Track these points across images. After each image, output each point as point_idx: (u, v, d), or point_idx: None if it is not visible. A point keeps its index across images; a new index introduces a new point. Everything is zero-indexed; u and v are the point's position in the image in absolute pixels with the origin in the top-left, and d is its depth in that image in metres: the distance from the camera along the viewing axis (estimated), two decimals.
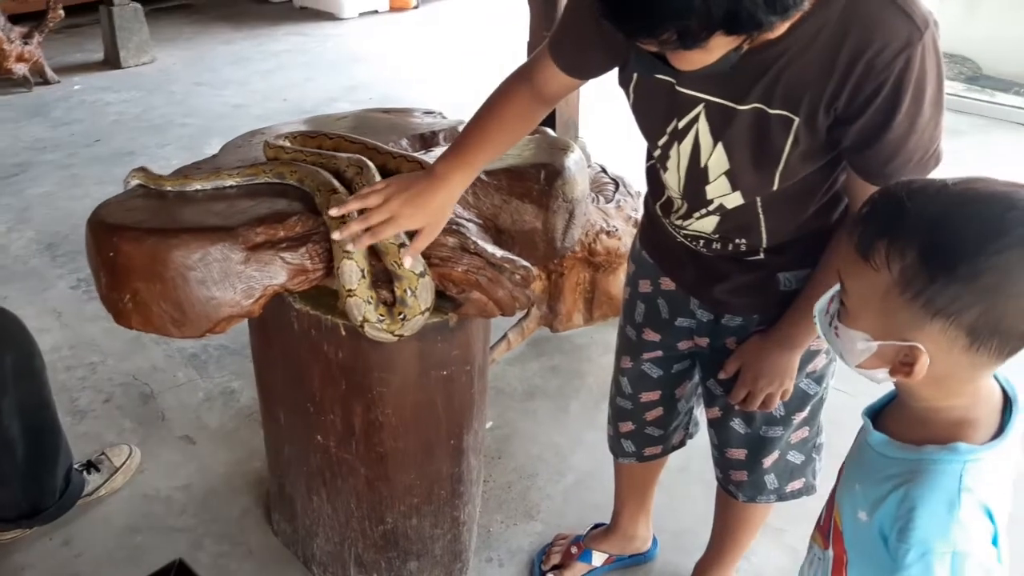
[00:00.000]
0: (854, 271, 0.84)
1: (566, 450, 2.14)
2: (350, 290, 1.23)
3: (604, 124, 3.40)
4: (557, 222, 1.55)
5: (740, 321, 1.33)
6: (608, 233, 2.33)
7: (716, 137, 1.11)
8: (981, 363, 0.81)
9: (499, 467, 2.09)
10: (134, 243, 1.24)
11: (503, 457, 2.12)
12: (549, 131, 1.93)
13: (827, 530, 1.00)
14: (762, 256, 1.25)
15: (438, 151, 1.60)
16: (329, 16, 6.48)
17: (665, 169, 1.21)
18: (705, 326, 1.38)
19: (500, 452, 2.14)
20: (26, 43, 4.82)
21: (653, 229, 1.38)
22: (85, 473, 1.94)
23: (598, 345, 2.54)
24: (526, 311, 2.43)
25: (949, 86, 4.57)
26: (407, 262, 1.23)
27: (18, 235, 3.24)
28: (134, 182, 1.39)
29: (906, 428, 0.90)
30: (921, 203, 0.80)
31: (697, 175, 1.16)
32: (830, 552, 0.98)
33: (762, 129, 1.07)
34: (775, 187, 1.13)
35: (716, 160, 1.12)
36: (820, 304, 0.94)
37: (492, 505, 1.96)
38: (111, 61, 5.36)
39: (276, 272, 1.26)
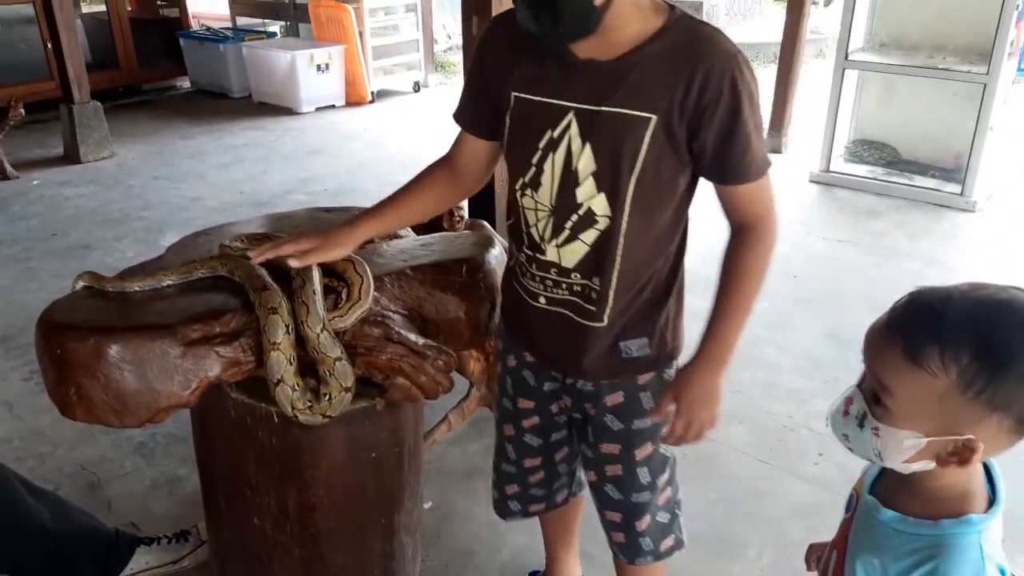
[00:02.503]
0: (905, 377, 0.92)
1: (503, 528, 2.22)
2: (278, 380, 1.35)
3: None
4: (479, 311, 1.68)
5: (591, 387, 1.47)
6: None
7: (585, 138, 1.27)
8: (1013, 441, 0.93)
9: (437, 546, 2.16)
10: (78, 341, 1.34)
11: (442, 536, 2.20)
12: (487, 225, 2.09)
13: None
14: (605, 323, 1.38)
15: (370, 248, 1.74)
16: (287, 111, 6.71)
17: (538, 186, 1.33)
18: (565, 387, 1.51)
19: (439, 531, 2.21)
20: None
21: (514, 303, 1.50)
22: (175, 541, 2.03)
23: None
24: (466, 393, 2.54)
25: (870, 171, 4.89)
26: (293, 264, 1.43)
27: None
28: (80, 284, 1.51)
29: (917, 505, 0.99)
30: (959, 309, 0.91)
31: (569, 179, 1.30)
32: None
33: (623, 128, 1.25)
34: (631, 187, 1.27)
35: (585, 162, 1.28)
36: (833, 409, 1.02)
37: None
38: (70, 156, 5.49)
39: (211, 365, 1.37)
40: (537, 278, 1.41)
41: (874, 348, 0.97)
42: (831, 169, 4.94)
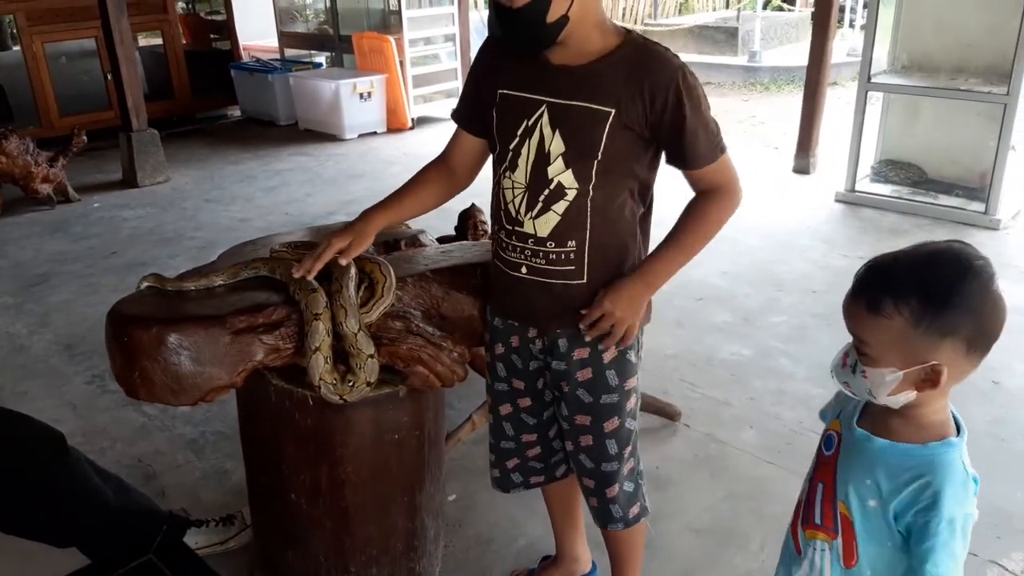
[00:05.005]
0: (870, 326, 1.15)
1: (521, 519, 2.39)
2: (316, 347, 1.54)
3: None
4: None
5: (564, 366, 1.65)
6: None
7: (555, 127, 1.51)
8: (973, 364, 1.14)
9: (459, 534, 2.33)
10: (143, 330, 1.55)
11: (463, 525, 2.37)
12: None
13: (832, 524, 1.27)
14: (585, 280, 1.58)
15: (397, 255, 1.94)
16: (331, 137, 7.02)
17: (515, 168, 1.56)
18: (545, 365, 1.69)
19: (461, 521, 2.38)
20: (51, 166, 5.29)
21: (498, 277, 1.69)
22: (222, 525, 2.23)
23: None
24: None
25: (895, 190, 4.98)
26: (341, 262, 1.62)
27: (39, 337, 3.59)
28: (145, 284, 1.73)
29: (904, 433, 1.20)
30: (901, 264, 1.14)
31: (542, 159, 1.53)
32: (839, 540, 1.27)
33: (586, 120, 1.49)
34: (595, 166, 1.50)
35: (555, 145, 1.52)
36: (835, 362, 1.23)
37: (451, 566, 2.20)
38: (128, 181, 5.84)
39: (255, 351, 1.58)
40: (518, 249, 1.60)
41: (848, 312, 1.20)
42: (856, 189, 5.05)
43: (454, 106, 1.76)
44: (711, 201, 1.59)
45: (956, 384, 1.18)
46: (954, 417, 1.23)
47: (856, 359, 1.19)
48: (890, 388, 1.16)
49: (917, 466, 1.17)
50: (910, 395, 1.16)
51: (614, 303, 1.58)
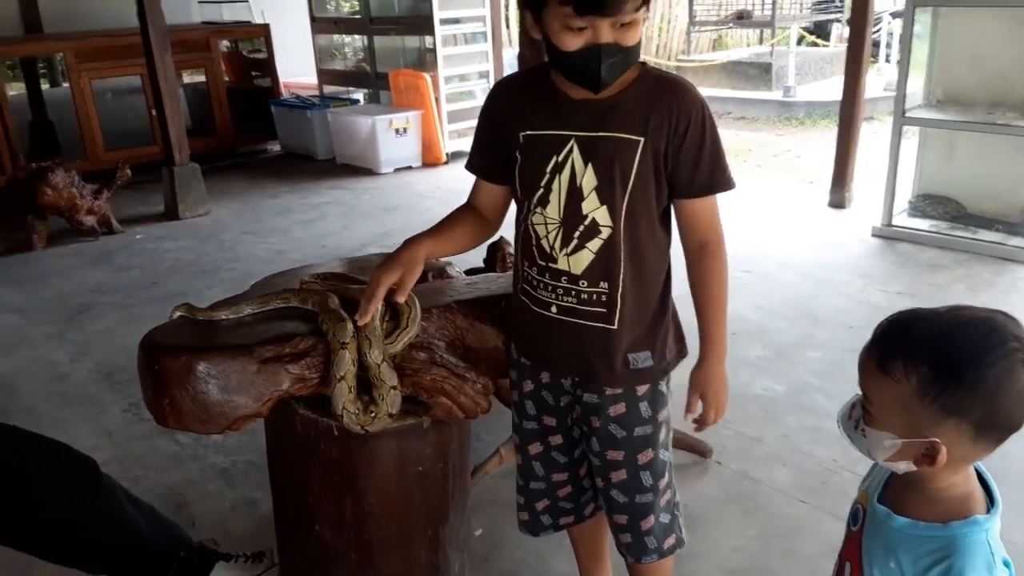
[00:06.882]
0: (877, 385, 1.07)
1: (547, 554, 2.36)
2: (341, 376, 1.56)
3: None
4: None
5: (596, 399, 1.64)
6: None
7: (586, 160, 1.51)
8: (983, 449, 1.06)
9: (485, 569, 2.31)
10: (172, 358, 1.58)
11: (490, 560, 2.35)
12: None
13: None
14: (616, 326, 1.57)
15: (424, 286, 1.96)
16: (368, 171, 7.13)
17: (547, 203, 1.55)
18: (576, 399, 1.69)
19: (488, 556, 2.37)
20: (96, 198, 5.45)
21: (524, 316, 1.67)
22: (251, 561, 2.22)
23: None
24: None
25: (934, 225, 4.90)
26: (399, 299, 1.61)
27: (79, 365, 3.67)
28: (177, 314, 1.76)
29: (924, 509, 1.11)
30: (924, 326, 1.05)
31: (575, 194, 1.53)
32: None
33: (618, 149, 1.51)
34: (626, 199, 1.51)
35: (588, 179, 1.52)
36: (841, 412, 1.17)
37: None
38: (170, 213, 5.97)
39: (282, 380, 1.60)
40: (549, 287, 1.59)
41: (860, 364, 1.12)
42: (893, 223, 4.98)
43: (467, 159, 1.74)
44: (710, 261, 1.60)
45: (965, 466, 1.10)
46: (988, 488, 1.13)
47: (860, 414, 1.12)
48: (887, 454, 1.09)
49: (938, 549, 1.07)
50: (910, 466, 1.08)
51: (713, 394, 1.64)
